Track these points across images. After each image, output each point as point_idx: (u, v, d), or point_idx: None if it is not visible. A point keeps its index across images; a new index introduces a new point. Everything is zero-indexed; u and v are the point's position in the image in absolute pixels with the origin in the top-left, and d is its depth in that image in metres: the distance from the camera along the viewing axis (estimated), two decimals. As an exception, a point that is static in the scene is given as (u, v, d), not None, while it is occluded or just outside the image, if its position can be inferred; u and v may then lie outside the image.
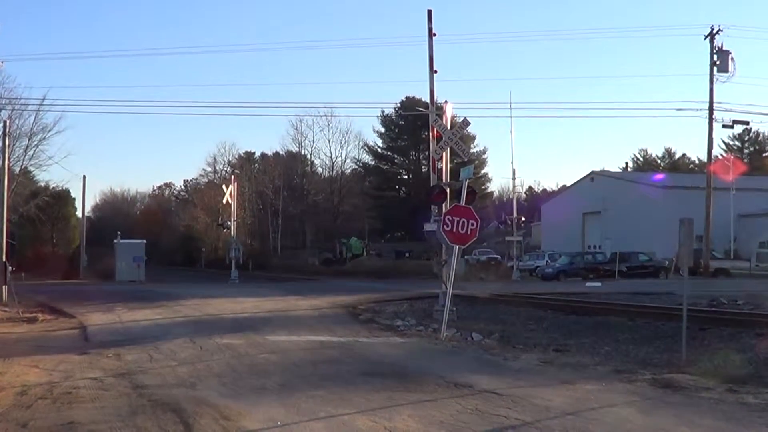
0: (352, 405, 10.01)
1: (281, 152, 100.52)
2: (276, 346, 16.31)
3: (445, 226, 18.51)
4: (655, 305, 23.80)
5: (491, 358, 15.14)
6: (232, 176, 66.89)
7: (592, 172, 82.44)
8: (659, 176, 53.30)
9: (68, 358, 14.66)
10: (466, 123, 23.54)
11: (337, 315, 24.02)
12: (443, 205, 21.63)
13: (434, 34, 24.19)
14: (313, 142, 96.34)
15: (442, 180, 23.04)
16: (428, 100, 25.09)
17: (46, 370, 13.05)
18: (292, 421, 9.08)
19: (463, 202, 19.19)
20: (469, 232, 18.52)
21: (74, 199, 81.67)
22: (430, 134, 24.04)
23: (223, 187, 62.07)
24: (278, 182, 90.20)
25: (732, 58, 51.19)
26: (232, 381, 12.01)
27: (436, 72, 24.07)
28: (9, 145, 33.78)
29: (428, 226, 22.85)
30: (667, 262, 51.21)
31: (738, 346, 15.79)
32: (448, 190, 22.27)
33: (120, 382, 11.88)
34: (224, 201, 59.30)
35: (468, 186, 19.93)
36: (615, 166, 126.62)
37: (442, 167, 23.28)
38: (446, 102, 24.48)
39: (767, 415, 9.51)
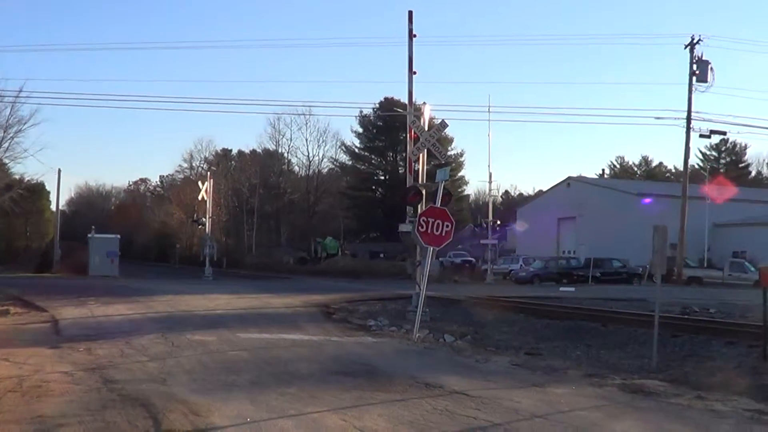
0: (323, 403, 10.02)
1: (258, 150, 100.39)
2: (248, 344, 16.31)
3: (419, 227, 18.52)
4: (627, 311, 23.89)
5: (463, 359, 15.19)
6: (208, 173, 66.63)
7: (569, 178, 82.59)
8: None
9: (39, 351, 14.58)
10: (443, 125, 23.67)
11: (311, 314, 23.98)
12: (419, 206, 21.64)
13: (414, 36, 24.23)
14: (291, 141, 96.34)
15: (418, 181, 23.09)
16: (407, 101, 25.13)
17: (16, 364, 12.96)
18: (262, 419, 9.08)
19: (438, 204, 19.21)
20: (443, 234, 18.55)
21: (49, 192, 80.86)
22: (408, 135, 24.12)
23: (199, 183, 61.88)
24: (255, 180, 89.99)
25: (711, 68, 51.38)
26: (202, 377, 12.00)
27: (415, 73, 24.11)
28: (-16, 137, 33.51)
29: (403, 227, 22.86)
30: (641, 269, 51.45)
31: (709, 353, 15.92)
32: (423, 192, 22.27)
33: (90, 376, 11.83)
34: (200, 198, 59.12)
35: (444, 188, 19.96)
36: (592, 172, 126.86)
37: (418, 169, 23.34)
38: (424, 103, 24.55)
39: (734, 422, 9.58)
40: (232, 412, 9.34)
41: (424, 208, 20.34)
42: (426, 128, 22.74)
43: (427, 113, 24.22)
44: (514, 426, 8.97)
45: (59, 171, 65.05)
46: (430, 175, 23.97)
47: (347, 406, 9.94)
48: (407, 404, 10.14)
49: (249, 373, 12.44)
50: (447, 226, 18.56)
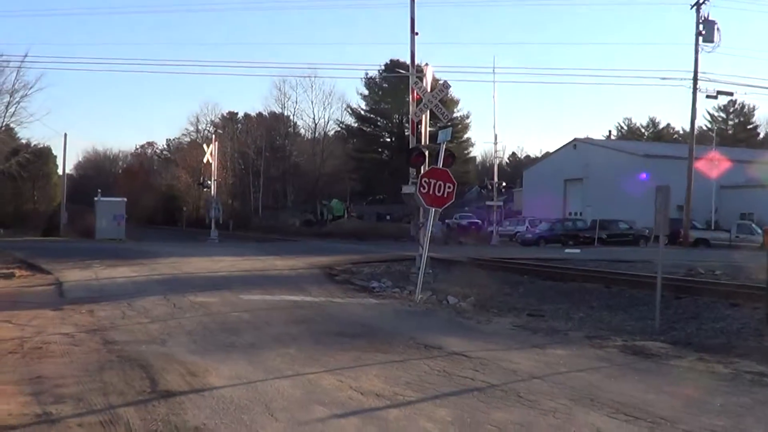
0: (320, 364, 10.02)
1: (264, 113, 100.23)
2: (249, 305, 16.34)
3: (421, 189, 18.51)
4: (631, 273, 23.75)
5: (464, 321, 15.19)
6: (213, 136, 66.62)
7: (575, 139, 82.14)
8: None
9: (42, 313, 14.61)
10: (446, 86, 23.49)
11: (314, 275, 24.01)
12: (422, 167, 21.54)
13: (417, -4, 24.02)
14: (296, 103, 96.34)
15: (421, 143, 22.98)
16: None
17: (18, 325, 13.00)
18: (258, 379, 9.08)
19: (440, 165, 19.15)
20: (445, 195, 18.54)
21: (56, 156, 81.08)
22: (410, 97, 23.98)
23: (204, 146, 61.90)
24: (260, 143, 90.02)
25: (718, 29, 50.92)
26: (202, 338, 12.02)
27: (417, 34, 23.97)
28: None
29: (406, 189, 22.79)
30: (647, 231, 51.17)
31: (712, 315, 15.83)
32: (426, 153, 22.16)
33: (91, 337, 11.86)
34: (205, 160, 59.16)
35: (447, 149, 19.88)
36: (599, 133, 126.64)
37: (422, 130, 23.22)
38: (427, 65, 24.30)
39: (735, 384, 9.51)
40: (229, 373, 9.35)
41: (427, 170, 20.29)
42: (428, 89, 22.59)
43: (429, 74, 24.02)
44: (511, 387, 8.93)
45: (65, 135, 65.49)
46: (434, 137, 23.85)
47: (345, 366, 9.94)
48: (405, 365, 10.13)
49: (249, 334, 12.46)
50: (449, 187, 18.55)
